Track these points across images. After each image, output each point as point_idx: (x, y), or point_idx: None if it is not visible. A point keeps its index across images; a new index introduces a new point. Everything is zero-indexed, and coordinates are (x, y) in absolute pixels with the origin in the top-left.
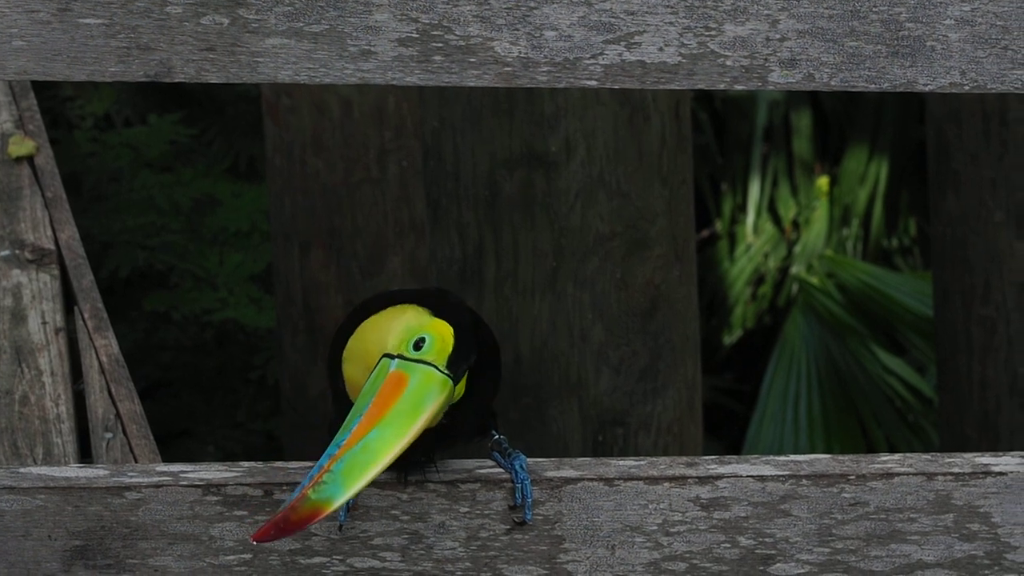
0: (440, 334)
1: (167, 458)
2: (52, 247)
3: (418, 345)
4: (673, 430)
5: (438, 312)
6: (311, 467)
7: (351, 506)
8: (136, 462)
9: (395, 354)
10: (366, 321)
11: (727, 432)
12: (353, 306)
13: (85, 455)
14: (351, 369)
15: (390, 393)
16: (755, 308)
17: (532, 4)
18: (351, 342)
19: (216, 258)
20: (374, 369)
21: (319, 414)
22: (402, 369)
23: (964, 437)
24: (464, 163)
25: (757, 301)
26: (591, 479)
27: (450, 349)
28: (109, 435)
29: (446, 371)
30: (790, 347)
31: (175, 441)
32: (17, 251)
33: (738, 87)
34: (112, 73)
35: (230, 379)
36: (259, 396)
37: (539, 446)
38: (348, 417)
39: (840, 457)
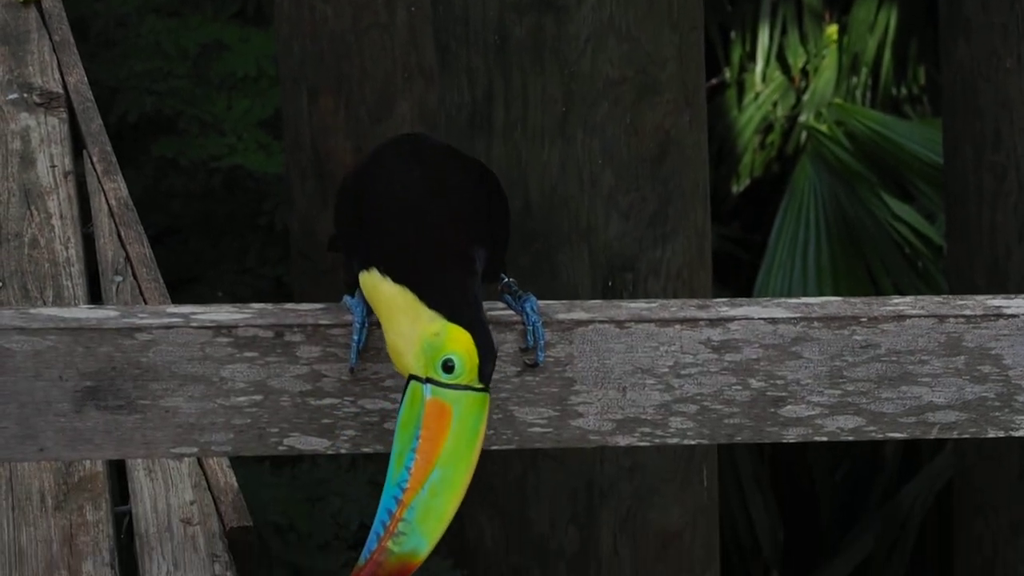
0: (465, 349)
1: (176, 304)
2: (60, 90)
3: (447, 367)
4: (683, 276)
5: (450, 309)
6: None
7: (361, 348)
8: (146, 305)
9: (424, 377)
10: (379, 284)
11: (735, 281)
12: (362, 153)
13: (95, 299)
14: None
15: (437, 427)
16: (763, 157)
17: None
18: (366, 282)
19: (224, 103)
20: (404, 391)
21: (329, 259)
22: (441, 398)
23: (973, 284)
24: (473, 7)
25: (765, 150)
26: (602, 321)
27: (477, 360)
28: (119, 278)
29: (482, 387)
30: (799, 195)
31: (184, 287)
32: (25, 94)
33: None
34: None
35: (239, 225)
36: (268, 242)
37: (549, 292)
38: (395, 449)
39: (852, 300)
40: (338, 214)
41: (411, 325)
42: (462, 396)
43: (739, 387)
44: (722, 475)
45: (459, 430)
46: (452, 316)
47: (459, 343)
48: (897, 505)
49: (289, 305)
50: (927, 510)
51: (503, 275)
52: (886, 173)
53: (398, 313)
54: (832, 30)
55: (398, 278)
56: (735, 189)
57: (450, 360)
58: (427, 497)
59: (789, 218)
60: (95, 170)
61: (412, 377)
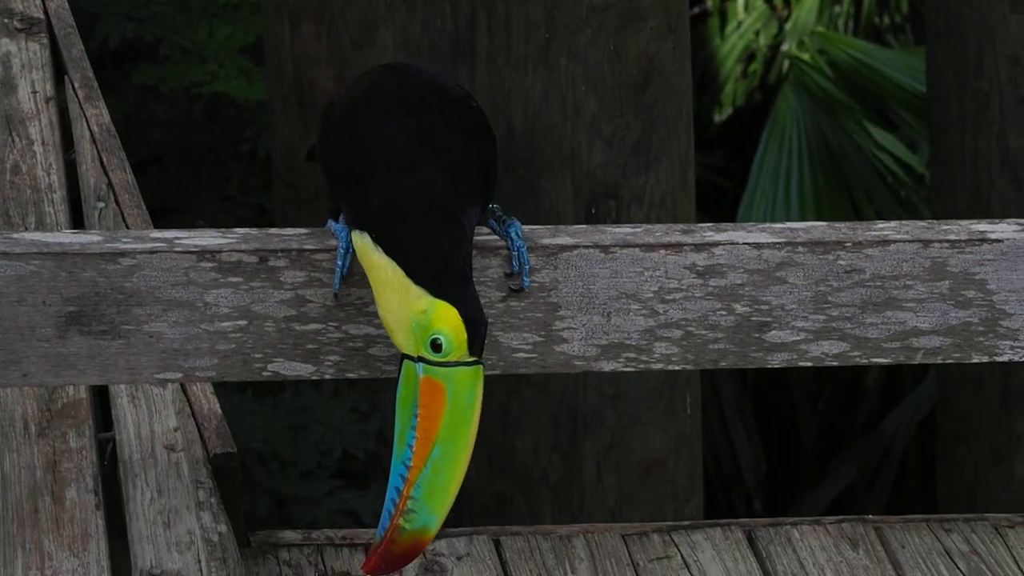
0: (452, 326)
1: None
2: (41, 16)
3: (436, 346)
4: (666, 203)
5: (437, 284)
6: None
7: (346, 274)
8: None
9: (415, 356)
10: (370, 252)
11: (717, 210)
12: (346, 82)
13: (77, 226)
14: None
15: (433, 405)
16: (746, 86)
17: None
18: (359, 244)
19: (206, 30)
20: (400, 371)
21: (311, 187)
22: (433, 377)
23: (956, 212)
24: None
25: (748, 79)
26: (587, 246)
27: (464, 334)
28: (101, 204)
29: (472, 359)
30: (781, 124)
31: (166, 216)
32: (6, 20)
33: None
34: None
35: (220, 154)
36: (250, 170)
37: (531, 219)
38: (397, 428)
39: (836, 224)
40: (324, 154)
41: (399, 303)
42: (453, 373)
43: (724, 312)
44: (705, 404)
45: (454, 406)
46: (438, 292)
47: (445, 320)
48: (880, 434)
49: (273, 230)
50: (909, 438)
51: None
52: (868, 102)
53: (387, 288)
54: None
55: (388, 249)
56: (717, 118)
57: (438, 339)
58: (430, 474)
59: (771, 147)
60: (77, 96)
61: (405, 356)
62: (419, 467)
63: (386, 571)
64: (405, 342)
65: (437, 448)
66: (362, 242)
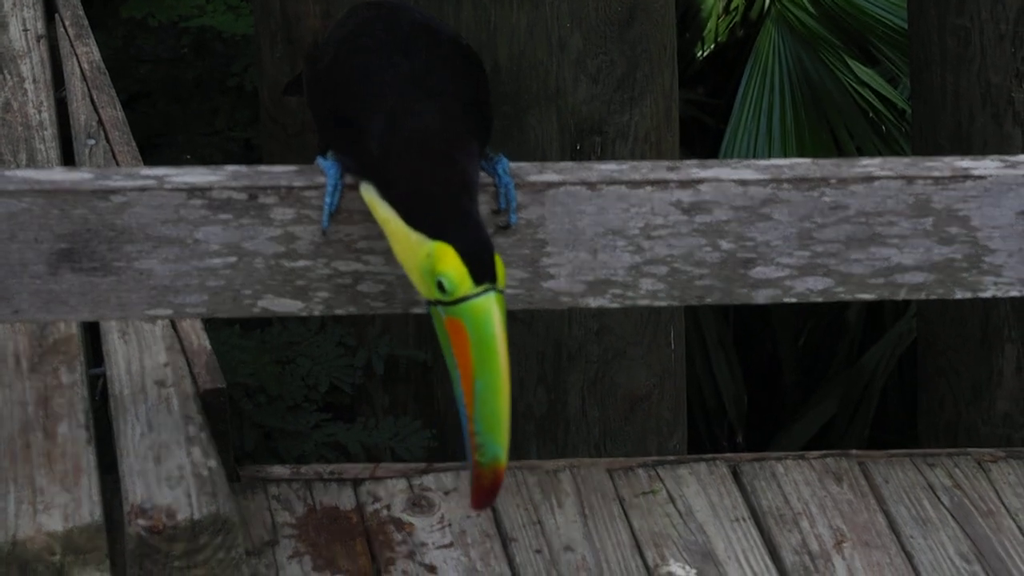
0: (451, 265)
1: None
2: None
3: (441, 287)
4: (651, 139)
5: (432, 227)
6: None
7: (334, 211)
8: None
9: (434, 300)
10: (376, 204)
11: (700, 145)
12: (332, 19)
13: (68, 163)
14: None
15: (460, 343)
16: (727, 21)
17: None
18: (366, 196)
19: None
20: (432, 319)
21: (298, 124)
22: (451, 316)
23: (937, 147)
24: None
25: (730, 14)
26: (574, 183)
27: (465, 268)
28: (91, 141)
29: (482, 289)
30: (763, 60)
31: (154, 150)
32: None
33: None
34: None
35: (208, 88)
36: (238, 104)
37: (517, 155)
38: (450, 372)
39: (821, 161)
40: (312, 98)
41: (407, 253)
42: (466, 308)
43: (709, 248)
44: (687, 338)
45: (476, 339)
46: (434, 233)
47: (444, 261)
48: (860, 369)
49: (263, 167)
50: (890, 373)
51: None
52: (850, 37)
53: (396, 241)
54: None
55: (389, 198)
56: (700, 54)
57: (440, 280)
58: (480, 407)
59: (753, 82)
60: (67, 34)
61: (429, 302)
62: (471, 403)
63: (487, 503)
64: (423, 289)
65: (477, 381)
66: (369, 196)
